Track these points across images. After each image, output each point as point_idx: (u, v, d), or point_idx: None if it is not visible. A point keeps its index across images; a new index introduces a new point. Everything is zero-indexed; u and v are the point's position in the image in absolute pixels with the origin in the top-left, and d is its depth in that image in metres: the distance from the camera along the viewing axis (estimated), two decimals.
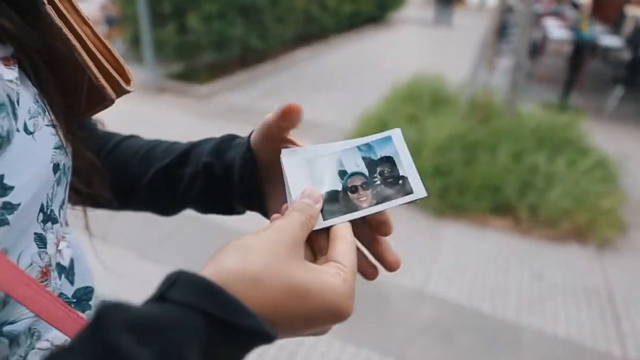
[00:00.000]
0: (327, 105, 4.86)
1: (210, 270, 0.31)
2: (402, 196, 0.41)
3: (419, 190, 0.42)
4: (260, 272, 0.31)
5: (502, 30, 4.00)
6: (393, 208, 0.42)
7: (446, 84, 4.42)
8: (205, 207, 0.57)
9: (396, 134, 0.44)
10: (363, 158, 0.43)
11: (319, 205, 0.40)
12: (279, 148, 0.45)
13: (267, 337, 0.30)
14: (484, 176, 3.03)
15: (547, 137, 3.46)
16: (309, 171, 0.43)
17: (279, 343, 1.94)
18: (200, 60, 5.89)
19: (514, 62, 3.64)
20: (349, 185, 0.42)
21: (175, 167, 0.56)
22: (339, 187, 0.42)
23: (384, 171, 0.42)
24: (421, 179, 0.42)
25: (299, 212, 0.38)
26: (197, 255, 2.49)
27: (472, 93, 3.81)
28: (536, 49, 6.05)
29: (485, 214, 2.95)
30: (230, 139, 0.54)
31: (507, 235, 2.85)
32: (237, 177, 0.51)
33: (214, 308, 0.29)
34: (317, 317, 0.33)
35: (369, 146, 0.43)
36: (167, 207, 0.61)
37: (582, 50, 5.32)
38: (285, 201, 0.43)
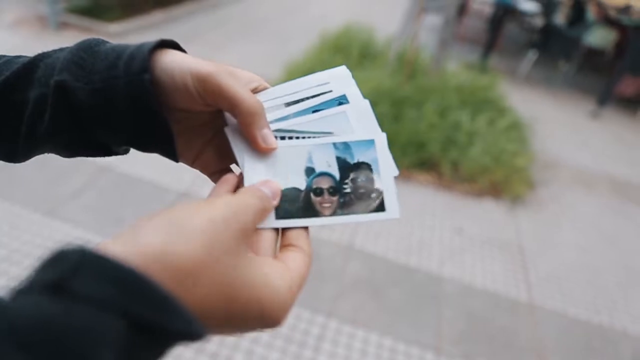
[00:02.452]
0: (251, 52, 4.60)
1: (126, 250, 0.23)
2: (371, 212, 0.36)
3: (392, 210, 0.36)
4: (197, 266, 0.24)
5: None
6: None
7: (375, 37, 4.36)
8: (66, 148, 0.40)
9: (380, 138, 0.38)
10: (337, 158, 0.37)
11: (276, 202, 0.35)
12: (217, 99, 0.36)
13: (195, 339, 0.24)
14: (410, 132, 3.05)
15: (469, 96, 3.56)
16: (272, 159, 0.37)
17: None
18: None
19: (443, 19, 3.65)
20: (314, 187, 0.36)
21: (13, 89, 0.38)
22: (302, 186, 0.36)
23: (357, 178, 0.37)
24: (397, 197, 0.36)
25: (256, 198, 0.32)
26: (112, 213, 2.27)
27: (400, 48, 3.79)
28: (460, 9, 6.17)
29: (410, 169, 2.99)
30: (96, 44, 0.38)
31: (430, 189, 2.93)
32: (121, 106, 0.36)
33: (140, 307, 0.21)
34: (250, 322, 0.28)
35: (346, 145, 0.38)
36: (9, 150, 0.42)
37: (502, 13, 5.50)
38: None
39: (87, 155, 0.42)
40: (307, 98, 0.42)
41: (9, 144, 0.41)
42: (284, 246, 0.34)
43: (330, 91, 0.42)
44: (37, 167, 2.48)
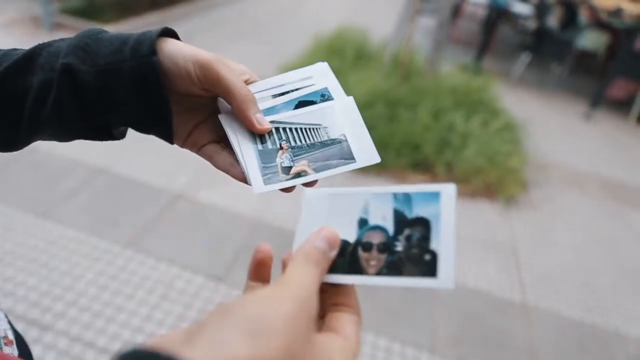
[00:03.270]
0: (245, 54, 4.60)
1: (210, 356, 0.21)
2: (420, 277, 0.31)
3: (445, 277, 0.31)
4: None
5: None
6: None
7: (370, 39, 4.37)
8: (68, 131, 0.42)
9: (448, 191, 0.33)
10: (395, 211, 0.33)
11: (334, 254, 0.32)
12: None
13: None
14: (405, 133, 3.06)
15: (463, 97, 3.57)
16: (328, 206, 0.35)
17: None
18: None
19: (438, 21, 3.66)
20: (364, 240, 0.33)
21: (15, 77, 0.40)
22: (352, 238, 0.33)
23: (412, 236, 0.32)
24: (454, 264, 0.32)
25: (315, 265, 0.30)
26: (107, 215, 2.26)
27: (395, 50, 3.80)
28: (454, 12, 6.20)
29: (405, 170, 3.00)
30: (98, 32, 0.41)
31: None
32: (127, 88, 0.39)
33: None
34: None
35: (407, 197, 0.33)
36: (9, 136, 0.43)
37: (495, 16, 5.53)
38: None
39: (85, 138, 0.44)
40: (292, 90, 0.45)
41: (9, 130, 0.42)
42: (333, 304, 0.32)
43: (313, 84, 0.46)
44: (32, 169, 2.46)
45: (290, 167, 0.41)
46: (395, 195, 0.34)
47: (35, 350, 1.59)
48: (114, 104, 0.40)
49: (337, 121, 0.43)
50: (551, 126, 4.42)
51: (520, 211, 2.95)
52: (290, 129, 0.42)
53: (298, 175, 0.41)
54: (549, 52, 5.28)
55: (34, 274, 1.87)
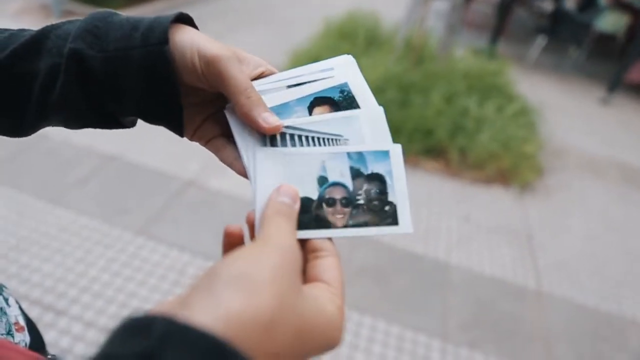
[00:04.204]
0: (255, 41, 4.56)
1: (210, 316, 0.23)
2: (383, 225, 0.35)
3: (404, 224, 0.36)
4: (274, 316, 0.25)
5: None
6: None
7: (381, 23, 4.30)
8: (76, 118, 0.41)
9: (395, 150, 0.37)
10: (351, 168, 0.36)
11: (297, 206, 0.34)
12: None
13: None
14: (417, 118, 3.02)
15: (477, 82, 3.51)
16: (284, 165, 0.36)
17: None
18: None
19: (451, 4, 3.58)
20: (327, 197, 0.35)
21: (22, 60, 0.39)
22: (315, 196, 0.35)
23: (370, 190, 0.36)
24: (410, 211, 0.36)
25: (287, 217, 0.32)
26: (118, 201, 2.27)
27: (407, 34, 3.73)
28: None
29: (418, 156, 2.97)
30: (109, 15, 0.39)
31: (438, 177, 2.90)
32: (135, 76, 0.37)
33: None
34: (317, 351, 0.29)
35: (360, 155, 0.37)
36: (16, 121, 0.42)
37: None
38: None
39: (93, 126, 0.42)
40: (309, 82, 0.42)
41: (15, 116, 0.41)
42: (311, 252, 0.33)
43: (332, 77, 0.42)
44: (45, 156, 2.48)
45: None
46: (349, 155, 0.36)
47: (50, 334, 1.61)
48: (121, 92, 0.38)
49: (361, 134, 0.39)
50: (567, 111, 4.33)
51: (535, 198, 2.90)
52: (307, 137, 0.38)
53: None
54: (565, 35, 5.14)
55: (48, 260, 1.89)
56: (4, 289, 0.56)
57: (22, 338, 0.53)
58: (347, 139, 0.38)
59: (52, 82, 0.38)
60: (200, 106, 0.42)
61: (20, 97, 0.40)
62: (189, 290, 0.25)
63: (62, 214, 2.14)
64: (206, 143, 0.42)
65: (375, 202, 0.35)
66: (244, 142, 0.38)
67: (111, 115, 0.41)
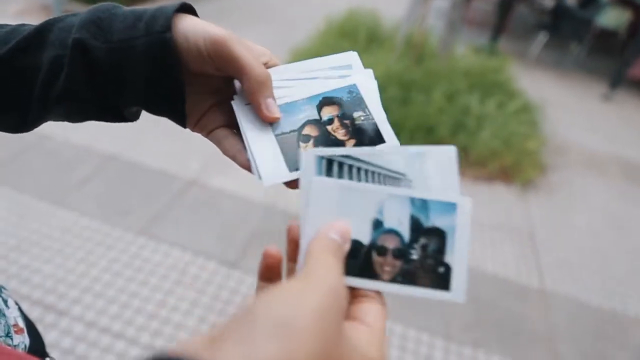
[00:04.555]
0: (256, 40, 4.49)
1: None
2: (433, 289, 0.32)
3: (457, 291, 0.32)
4: None
5: None
6: None
7: (382, 21, 4.28)
8: (79, 111, 0.40)
9: (465, 205, 0.33)
10: (411, 217, 0.33)
11: (348, 247, 0.31)
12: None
13: None
14: (418, 116, 3.01)
15: (478, 79, 3.49)
16: (338, 200, 0.32)
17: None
18: None
19: (451, 2, 3.56)
20: (379, 244, 0.32)
21: (24, 54, 0.38)
22: (366, 240, 0.32)
23: (427, 246, 0.32)
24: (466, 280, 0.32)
25: (334, 256, 0.29)
26: (119, 202, 2.26)
27: (408, 32, 3.72)
28: None
29: None
30: (113, 7, 0.38)
31: None
32: (139, 65, 0.36)
33: None
34: None
35: (424, 204, 0.33)
36: (17, 117, 0.41)
37: None
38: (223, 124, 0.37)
39: (96, 119, 0.42)
40: (316, 79, 0.41)
41: (19, 111, 0.41)
42: (355, 297, 0.31)
43: (343, 76, 0.41)
44: (45, 157, 2.47)
45: None
46: (412, 200, 0.33)
47: (51, 335, 1.60)
48: (126, 82, 0.38)
49: (425, 176, 0.35)
50: (569, 108, 4.31)
51: (537, 195, 2.89)
52: (367, 172, 0.35)
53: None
54: (567, 32, 5.12)
55: (49, 261, 1.89)
56: (3, 290, 0.55)
57: (22, 340, 0.52)
58: (410, 180, 0.35)
59: (55, 75, 0.38)
60: (203, 96, 0.41)
61: (23, 92, 0.39)
62: (222, 329, 0.22)
63: (63, 214, 2.13)
64: (208, 134, 0.42)
65: (430, 261, 0.32)
66: (252, 134, 0.38)
67: (115, 107, 0.40)
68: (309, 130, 0.38)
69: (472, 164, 2.93)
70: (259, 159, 0.38)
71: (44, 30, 0.39)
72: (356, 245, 0.32)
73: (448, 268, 0.32)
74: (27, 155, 2.46)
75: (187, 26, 0.36)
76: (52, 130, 2.65)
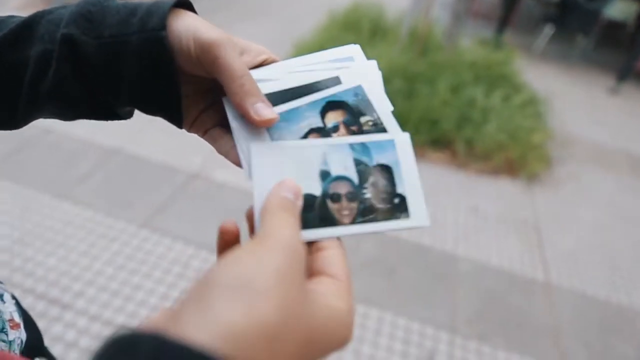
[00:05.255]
0: (260, 33, 4.52)
1: (206, 332, 0.20)
2: (395, 219, 0.33)
3: (418, 216, 0.33)
4: (279, 327, 0.22)
5: None
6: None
7: (386, 13, 4.25)
8: (70, 108, 0.39)
9: (402, 139, 0.35)
10: (354, 160, 0.34)
11: (300, 202, 0.31)
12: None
13: None
14: (423, 109, 2.98)
15: (483, 72, 3.46)
16: (283, 159, 0.33)
17: None
18: None
19: None
20: (331, 192, 0.33)
21: (10, 48, 0.37)
22: (318, 192, 0.33)
23: (377, 182, 0.33)
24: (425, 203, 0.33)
25: (290, 213, 0.29)
26: (122, 195, 2.26)
27: (412, 24, 3.68)
28: None
29: (424, 147, 2.93)
30: (104, 0, 0.36)
31: (444, 168, 2.87)
32: (132, 63, 0.35)
33: None
34: (327, 351, 0.26)
35: (364, 146, 0.34)
36: (6, 114, 0.40)
37: None
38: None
39: (88, 117, 0.40)
40: (315, 70, 0.40)
41: (8, 108, 0.39)
42: (315, 250, 0.31)
43: (342, 68, 0.40)
44: (48, 150, 2.47)
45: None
46: (352, 146, 0.34)
47: (55, 328, 1.60)
48: (118, 80, 0.36)
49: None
50: (576, 101, 4.27)
51: (543, 188, 2.86)
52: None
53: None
54: (573, 24, 5.06)
55: (52, 254, 1.89)
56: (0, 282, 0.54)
57: (18, 335, 0.51)
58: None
59: (43, 70, 0.36)
60: (199, 95, 0.40)
61: (11, 88, 0.37)
62: (182, 302, 0.22)
63: (66, 207, 2.13)
64: (204, 134, 0.41)
65: (384, 195, 0.33)
66: (239, 133, 0.36)
67: (107, 105, 0.39)
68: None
69: (477, 157, 2.91)
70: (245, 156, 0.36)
71: (32, 23, 0.37)
72: (309, 198, 0.32)
73: (403, 197, 0.33)
74: (29, 149, 2.46)
75: (181, 25, 0.35)
76: (54, 123, 2.64)
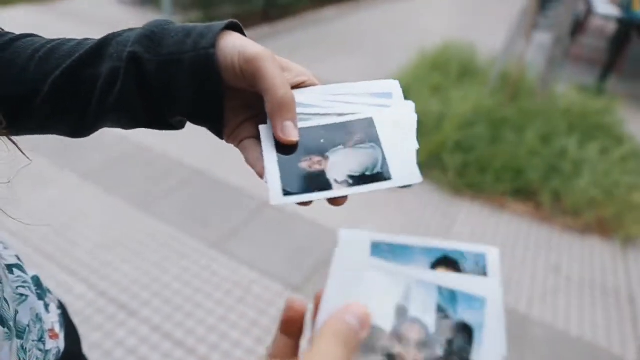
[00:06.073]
0: (349, 67, 4.62)
1: None
2: None
3: None
4: None
5: (543, 2, 3.69)
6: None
7: (477, 54, 4.15)
8: (131, 119, 0.43)
9: (492, 296, 0.30)
10: (437, 306, 0.30)
11: (365, 334, 0.28)
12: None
13: None
14: (507, 156, 2.83)
15: (579, 121, 3.22)
16: (364, 279, 0.30)
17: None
18: (221, 10, 5.63)
19: (554, 36, 3.36)
20: (401, 332, 0.29)
21: (86, 65, 0.42)
22: (388, 327, 0.29)
23: (453, 342, 0.29)
24: None
25: (344, 345, 0.26)
26: (199, 214, 2.38)
27: (504, 66, 3.55)
28: (577, 26, 5.66)
29: (504, 197, 2.77)
30: (166, 23, 0.41)
31: (525, 221, 2.68)
32: (186, 78, 0.39)
33: None
34: None
35: (452, 295, 0.30)
36: (75, 123, 0.45)
37: (628, 31, 4.94)
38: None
39: (145, 126, 0.45)
40: (352, 103, 0.41)
41: (79, 118, 0.44)
42: None
43: (384, 106, 0.40)
44: (141, 166, 2.69)
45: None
46: (440, 289, 0.30)
47: (119, 333, 1.70)
48: (173, 94, 0.41)
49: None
50: None
51: None
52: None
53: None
54: None
55: (128, 262, 2.02)
56: (47, 294, 0.58)
57: (55, 345, 0.53)
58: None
59: (111, 85, 0.41)
60: (240, 109, 0.44)
61: (84, 99, 0.43)
62: None
63: (147, 220, 2.29)
64: (238, 144, 0.44)
65: (454, 358, 0.29)
66: (269, 153, 0.38)
67: (162, 115, 0.43)
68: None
69: (564, 212, 2.68)
70: (270, 177, 0.38)
71: (104, 43, 0.42)
72: (376, 332, 0.29)
73: None
74: (124, 162, 2.70)
75: (229, 43, 0.39)
76: (152, 142, 2.89)
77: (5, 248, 0.51)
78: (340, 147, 0.39)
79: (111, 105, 0.42)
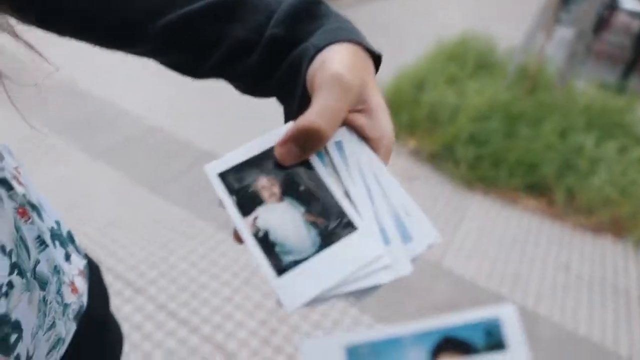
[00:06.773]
0: None
1: None
2: None
3: None
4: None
5: None
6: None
7: (496, 47, 4.07)
8: (252, 83, 0.42)
9: None
10: None
11: None
12: None
13: None
14: (522, 150, 2.78)
15: (598, 118, 3.14)
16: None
17: None
18: None
19: (576, 30, 3.27)
20: None
21: (204, 20, 0.39)
22: None
23: None
24: None
25: None
26: (208, 196, 2.38)
27: (522, 60, 3.48)
28: (600, 22, 5.51)
29: (517, 192, 2.73)
30: (318, 4, 0.41)
31: (537, 217, 2.64)
32: (303, 71, 0.37)
33: None
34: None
35: None
36: (195, 64, 0.42)
37: None
38: None
39: (257, 95, 0.43)
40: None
41: (199, 59, 0.41)
42: None
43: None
44: (152, 147, 2.70)
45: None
46: None
47: (125, 309, 1.72)
48: (294, 80, 0.39)
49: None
50: None
51: None
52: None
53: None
54: None
55: (136, 242, 2.04)
56: (69, 244, 0.53)
57: (75, 300, 0.50)
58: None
59: (237, 56, 0.39)
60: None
61: (195, 54, 0.41)
62: None
63: (157, 201, 2.30)
64: None
65: None
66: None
67: (266, 87, 0.42)
68: None
69: (577, 210, 2.63)
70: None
71: (235, 3, 0.39)
72: None
73: None
74: (135, 143, 2.71)
75: (333, 49, 0.36)
76: (164, 123, 2.89)
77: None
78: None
79: (229, 72, 0.41)
